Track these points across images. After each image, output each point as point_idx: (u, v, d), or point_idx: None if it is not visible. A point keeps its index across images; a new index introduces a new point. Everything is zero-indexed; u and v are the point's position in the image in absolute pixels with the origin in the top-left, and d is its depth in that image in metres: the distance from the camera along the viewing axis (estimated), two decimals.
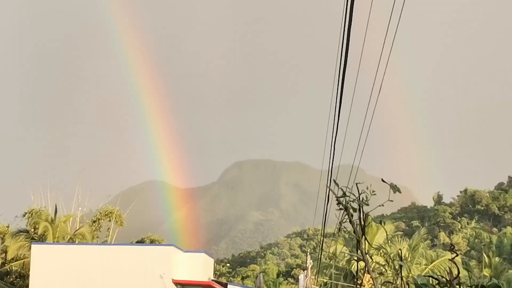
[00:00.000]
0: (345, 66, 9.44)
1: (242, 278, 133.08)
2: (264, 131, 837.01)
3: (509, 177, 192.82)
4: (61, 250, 38.93)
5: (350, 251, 39.51)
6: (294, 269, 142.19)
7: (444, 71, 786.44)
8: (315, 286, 48.77)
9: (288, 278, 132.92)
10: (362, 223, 6.80)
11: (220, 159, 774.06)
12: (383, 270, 44.57)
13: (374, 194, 6.78)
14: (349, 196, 6.78)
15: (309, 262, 48.32)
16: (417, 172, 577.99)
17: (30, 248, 40.09)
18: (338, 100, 10.27)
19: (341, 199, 6.81)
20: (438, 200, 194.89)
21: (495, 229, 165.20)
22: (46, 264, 36.43)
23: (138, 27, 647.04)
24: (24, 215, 50.94)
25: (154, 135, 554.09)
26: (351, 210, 6.80)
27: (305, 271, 48.71)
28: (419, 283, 6.13)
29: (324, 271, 52.08)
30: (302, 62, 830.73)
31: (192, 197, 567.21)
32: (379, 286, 21.14)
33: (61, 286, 35.54)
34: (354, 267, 46.14)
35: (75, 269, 35.79)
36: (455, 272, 6.28)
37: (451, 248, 6.99)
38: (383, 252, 45.37)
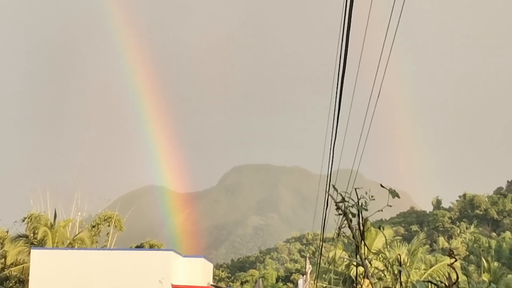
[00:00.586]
0: (344, 71, 9.48)
1: (241, 283, 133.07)
2: (263, 135, 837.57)
3: (508, 181, 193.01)
4: (60, 255, 38.89)
5: (349, 256, 39.44)
6: (293, 274, 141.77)
7: (443, 75, 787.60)
8: None
9: (287, 283, 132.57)
10: (361, 228, 6.82)
11: (220, 163, 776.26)
12: (382, 275, 44.49)
13: (373, 199, 6.79)
14: (348, 201, 6.80)
15: (308, 267, 48.33)
16: (416, 177, 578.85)
17: (29, 253, 40.08)
18: (337, 105, 10.31)
19: (340, 204, 6.83)
20: (437, 204, 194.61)
21: (494, 234, 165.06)
22: (45, 269, 36.40)
23: (138, 29, 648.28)
24: (23, 220, 50.96)
25: (154, 140, 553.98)
26: (350, 215, 6.82)
27: (304, 276, 48.72)
28: None
29: (323, 276, 52.01)
30: (302, 67, 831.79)
31: (192, 201, 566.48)
32: None
33: None
34: (353, 272, 46.03)
35: (75, 274, 35.77)
36: (454, 277, 6.30)
37: (450, 253, 7.02)
38: (382, 257, 45.31)
